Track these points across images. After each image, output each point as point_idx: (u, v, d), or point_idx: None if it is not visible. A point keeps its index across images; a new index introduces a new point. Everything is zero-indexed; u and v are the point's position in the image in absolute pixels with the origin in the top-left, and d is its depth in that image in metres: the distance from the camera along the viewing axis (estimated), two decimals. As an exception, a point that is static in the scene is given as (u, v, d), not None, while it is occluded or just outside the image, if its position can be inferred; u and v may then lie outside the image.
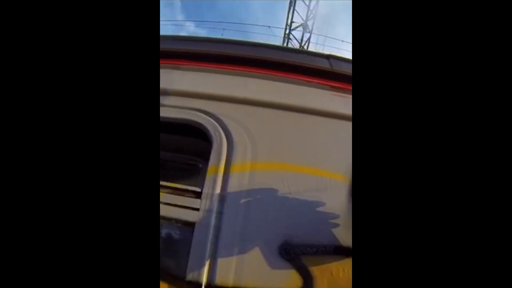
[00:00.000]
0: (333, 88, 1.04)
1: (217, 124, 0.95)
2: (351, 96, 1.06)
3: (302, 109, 0.99)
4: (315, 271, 0.83)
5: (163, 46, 1.15)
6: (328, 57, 1.14)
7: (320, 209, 0.88)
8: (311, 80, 1.04)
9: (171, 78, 1.05)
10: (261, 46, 1.11)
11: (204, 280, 0.80)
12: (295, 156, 0.92)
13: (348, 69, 1.12)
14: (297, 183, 0.89)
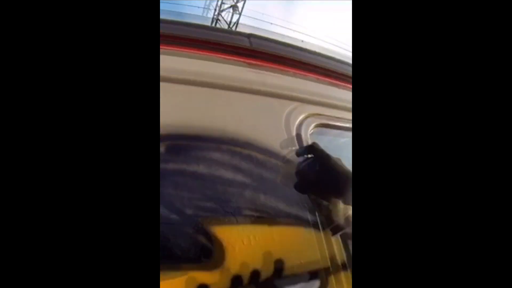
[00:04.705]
0: (250, 65, 1.06)
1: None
2: (267, 72, 1.10)
3: (218, 86, 0.99)
4: (226, 240, 0.84)
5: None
6: (249, 36, 1.15)
7: (229, 178, 0.90)
8: (228, 57, 1.05)
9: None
10: (181, 24, 1.08)
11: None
12: (207, 130, 0.92)
13: (268, 48, 1.16)
14: (209, 156, 0.89)
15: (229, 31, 1.26)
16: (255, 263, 0.85)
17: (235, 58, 1.06)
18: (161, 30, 1.06)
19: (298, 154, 0.93)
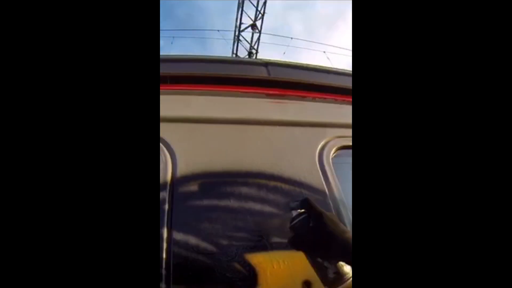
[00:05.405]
0: (269, 96, 1.11)
1: (161, 145, 1.02)
2: (288, 101, 1.14)
3: (239, 121, 1.06)
4: (258, 265, 0.94)
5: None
6: (266, 64, 1.20)
7: (257, 210, 0.98)
8: (247, 90, 1.11)
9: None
10: (199, 60, 1.16)
11: (163, 286, 0.90)
12: (235, 166, 1.00)
13: (286, 75, 1.19)
14: (238, 190, 0.98)
15: (246, 62, 1.31)
16: (285, 285, 0.93)
17: (254, 90, 1.12)
18: (183, 70, 1.16)
19: (291, 208, 0.90)
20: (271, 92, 1.11)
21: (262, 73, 1.16)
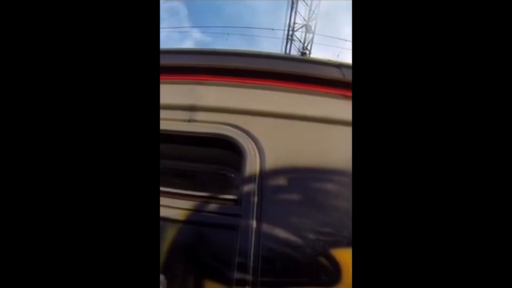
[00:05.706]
0: (346, 97, 1.14)
1: (247, 136, 1.03)
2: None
3: (320, 119, 1.09)
4: (342, 261, 0.97)
5: (183, 60, 1.19)
6: (340, 65, 1.23)
7: (342, 206, 1.02)
8: (325, 90, 1.14)
9: (197, 93, 1.10)
10: (278, 58, 1.18)
11: (250, 278, 0.91)
12: (320, 163, 1.03)
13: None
14: (324, 187, 1.01)
15: (317, 61, 1.34)
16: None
17: (331, 91, 1.15)
18: (265, 66, 1.17)
19: None
20: (348, 94, 1.15)
21: (336, 74, 1.20)
